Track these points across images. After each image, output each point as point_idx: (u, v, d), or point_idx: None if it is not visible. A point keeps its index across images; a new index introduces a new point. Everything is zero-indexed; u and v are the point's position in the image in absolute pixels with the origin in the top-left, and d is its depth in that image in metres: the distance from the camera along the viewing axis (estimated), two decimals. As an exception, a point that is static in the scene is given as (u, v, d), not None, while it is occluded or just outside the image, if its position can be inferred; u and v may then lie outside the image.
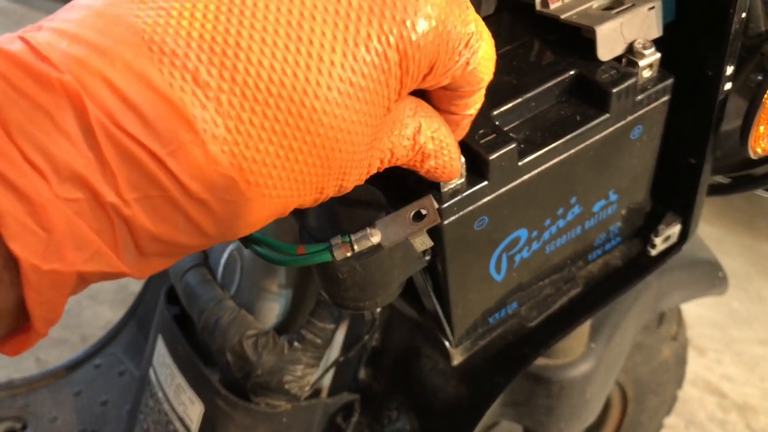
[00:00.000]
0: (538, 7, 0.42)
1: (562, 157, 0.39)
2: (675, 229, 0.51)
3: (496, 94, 0.39)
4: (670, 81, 0.41)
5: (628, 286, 0.51)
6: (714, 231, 1.89)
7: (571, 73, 0.39)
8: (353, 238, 0.31)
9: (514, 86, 0.39)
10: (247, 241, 0.32)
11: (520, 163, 0.37)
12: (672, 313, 1.10)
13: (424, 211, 0.32)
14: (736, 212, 1.94)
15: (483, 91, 0.30)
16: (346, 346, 0.51)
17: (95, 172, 0.20)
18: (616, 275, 0.52)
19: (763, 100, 0.41)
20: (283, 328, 0.56)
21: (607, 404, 1.16)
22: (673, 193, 0.50)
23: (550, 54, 0.41)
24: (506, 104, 0.38)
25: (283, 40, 0.22)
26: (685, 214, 0.50)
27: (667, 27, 0.42)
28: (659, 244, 0.51)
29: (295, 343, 0.51)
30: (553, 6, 0.41)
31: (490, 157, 0.35)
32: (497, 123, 0.38)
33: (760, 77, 0.43)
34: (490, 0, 0.43)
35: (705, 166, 0.46)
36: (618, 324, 0.67)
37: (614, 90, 0.38)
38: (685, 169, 0.47)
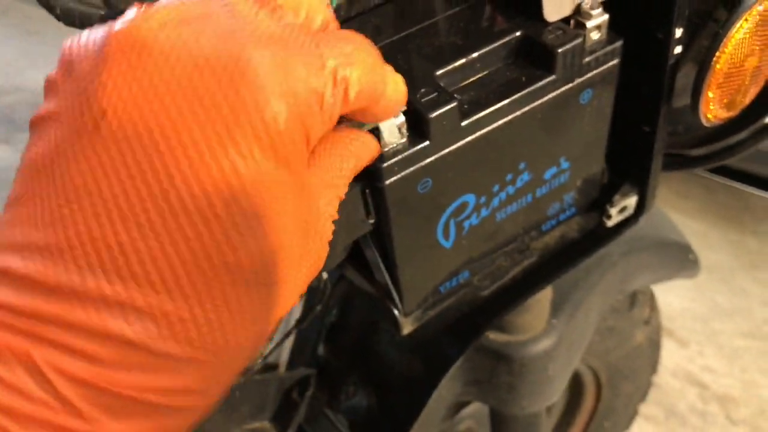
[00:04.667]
0: (486, -32, 0.41)
1: (507, 118, 0.38)
2: (631, 200, 0.51)
3: (441, 54, 0.38)
4: (619, 43, 0.40)
5: (583, 258, 0.51)
6: (698, 225, 1.90)
7: (517, 34, 0.38)
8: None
9: (459, 47, 0.38)
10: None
11: (463, 124, 0.36)
12: (644, 296, 1.10)
13: None
14: (720, 207, 1.95)
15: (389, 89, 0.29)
16: (299, 318, 0.51)
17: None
18: (572, 247, 0.52)
19: (712, 63, 0.41)
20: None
21: (580, 390, 1.16)
22: (628, 164, 0.50)
23: (499, 15, 0.40)
24: (450, 64, 0.37)
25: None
26: (641, 184, 0.50)
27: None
28: (615, 214, 0.50)
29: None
30: (502, -33, 0.41)
31: (431, 116, 0.35)
32: (441, 83, 0.37)
33: (708, 42, 0.42)
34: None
35: (659, 135, 0.46)
36: (581, 301, 0.67)
37: (560, 50, 0.37)
38: (639, 138, 0.47)
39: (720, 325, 1.69)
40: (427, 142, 0.36)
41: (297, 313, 0.57)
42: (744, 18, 0.41)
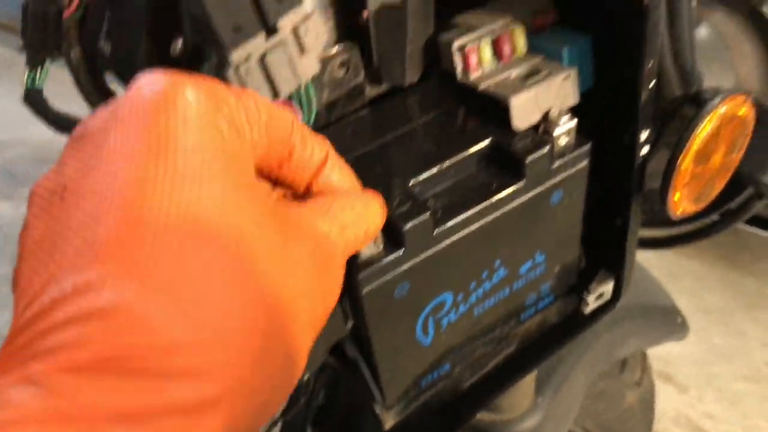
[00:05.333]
0: (458, 77, 0.43)
1: (479, 223, 0.39)
2: (608, 286, 0.52)
3: (416, 162, 0.40)
4: (587, 147, 0.42)
5: (563, 344, 0.52)
6: (695, 266, 1.91)
7: (488, 141, 0.40)
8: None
9: (433, 155, 0.40)
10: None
11: (435, 232, 0.38)
12: (635, 359, 1.11)
13: None
14: (718, 247, 1.95)
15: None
16: (284, 409, 0.51)
17: None
18: (552, 332, 0.52)
19: (677, 164, 0.43)
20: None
21: (575, 451, 1.15)
22: (604, 252, 0.51)
23: (471, 122, 0.42)
24: (424, 173, 0.39)
25: None
26: (617, 271, 0.51)
27: (586, 94, 0.43)
28: (592, 301, 0.51)
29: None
30: (472, 76, 0.43)
31: (405, 228, 0.36)
32: (416, 191, 0.38)
33: (675, 139, 0.44)
34: (415, 69, 0.44)
35: (631, 227, 0.47)
36: (566, 376, 0.68)
37: (528, 158, 0.39)
38: (613, 230, 0.48)
39: (719, 368, 1.67)
40: (402, 251, 0.37)
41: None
42: (708, 119, 0.43)
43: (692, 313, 1.78)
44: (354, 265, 0.35)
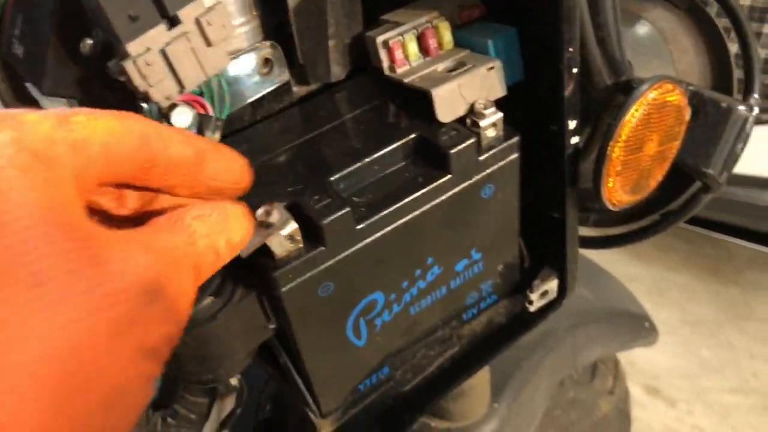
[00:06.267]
0: (385, 71, 0.42)
1: (406, 218, 0.38)
2: (552, 284, 0.51)
3: (339, 158, 0.39)
4: (516, 139, 0.41)
5: (509, 343, 0.51)
6: (681, 278, 1.91)
7: (413, 135, 0.39)
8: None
9: (357, 150, 0.39)
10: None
11: (359, 227, 0.37)
12: (606, 366, 1.10)
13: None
14: (703, 258, 1.97)
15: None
16: (222, 422, 0.50)
17: None
18: (499, 332, 0.51)
19: (608, 152, 0.42)
20: (159, 403, 0.54)
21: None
22: (546, 249, 0.50)
23: (398, 117, 0.42)
24: (346, 169, 0.38)
25: None
26: (560, 268, 0.50)
27: (517, 87, 0.43)
28: (536, 299, 0.50)
29: (169, 419, 0.49)
30: (399, 71, 0.42)
31: (323, 222, 0.35)
32: (339, 187, 0.38)
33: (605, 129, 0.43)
34: (340, 65, 0.44)
35: (569, 220, 0.47)
36: (526, 381, 0.66)
37: (452, 151, 0.38)
38: (552, 224, 0.48)
39: (708, 381, 1.67)
40: (323, 248, 0.36)
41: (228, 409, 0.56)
42: (635, 107, 0.43)
43: (679, 326, 1.79)
44: (268, 262, 0.34)
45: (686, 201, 0.54)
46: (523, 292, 0.52)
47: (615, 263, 1.96)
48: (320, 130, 0.41)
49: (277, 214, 0.33)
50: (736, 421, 1.58)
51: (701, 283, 1.91)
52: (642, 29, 0.60)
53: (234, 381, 0.43)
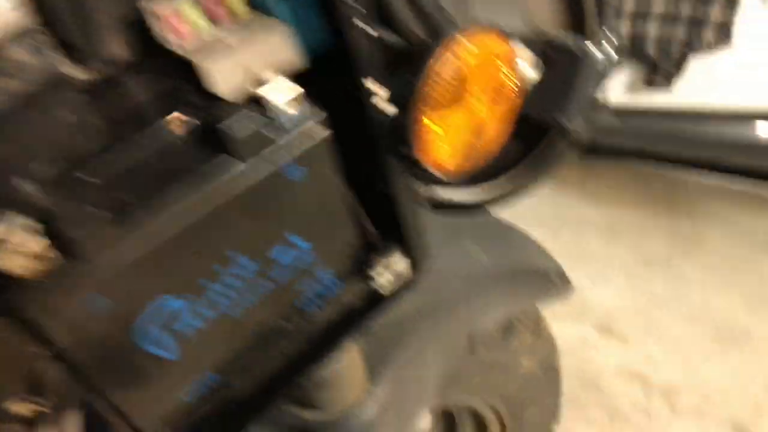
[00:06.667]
0: (172, 47, 0.37)
1: (189, 216, 0.34)
2: (401, 261, 0.47)
3: (97, 150, 0.34)
4: (322, 116, 0.37)
5: (364, 325, 0.47)
6: (633, 216, 1.92)
7: (194, 119, 0.35)
8: None
9: (122, 140, 0.34)
10: None
11: (120, 230, 0.32)
12: (522, 325, 1.08)
13: None
14: (656, 195, 1.97)
15: None
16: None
17: None
18: (352, 317, 0.48)
19: (415, 112, 0.38)
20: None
21: (483, 428, 1.13)
22: (389, 226, 0.46)
23: (178, 99, 0.37)
24: (106, 161, 0.33)
25: None
26: (406, 242, 0.47)
27: (327, 58, 0.38)
28: (385, 278, 0.47)
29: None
30: (185, 44, 0.37)
31: (74, 232, 0.30)
32: (97, 182, 0.32)
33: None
34: (115, 43, 0.38)
35: (401, 194, 0.43)
36: (409, 360, 0.63)
37: (241, 136, 0.34)
38: (386, 200, 0.44)
39: (659, 313, 1.68)
40: (77, 259, 0.31)
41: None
42: (440, 60, 0.38)
43: (633, 265, 1.80)
44: (9, 283, 0.29)
45: (542, 151, 0.51)
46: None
47: (565, 207, 1.96)
48: (91, 119, 0.36)
49: (3, 229, 0.28)
50: (686, 349, 1.60)
51: (654, 220, 1.92)
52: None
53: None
